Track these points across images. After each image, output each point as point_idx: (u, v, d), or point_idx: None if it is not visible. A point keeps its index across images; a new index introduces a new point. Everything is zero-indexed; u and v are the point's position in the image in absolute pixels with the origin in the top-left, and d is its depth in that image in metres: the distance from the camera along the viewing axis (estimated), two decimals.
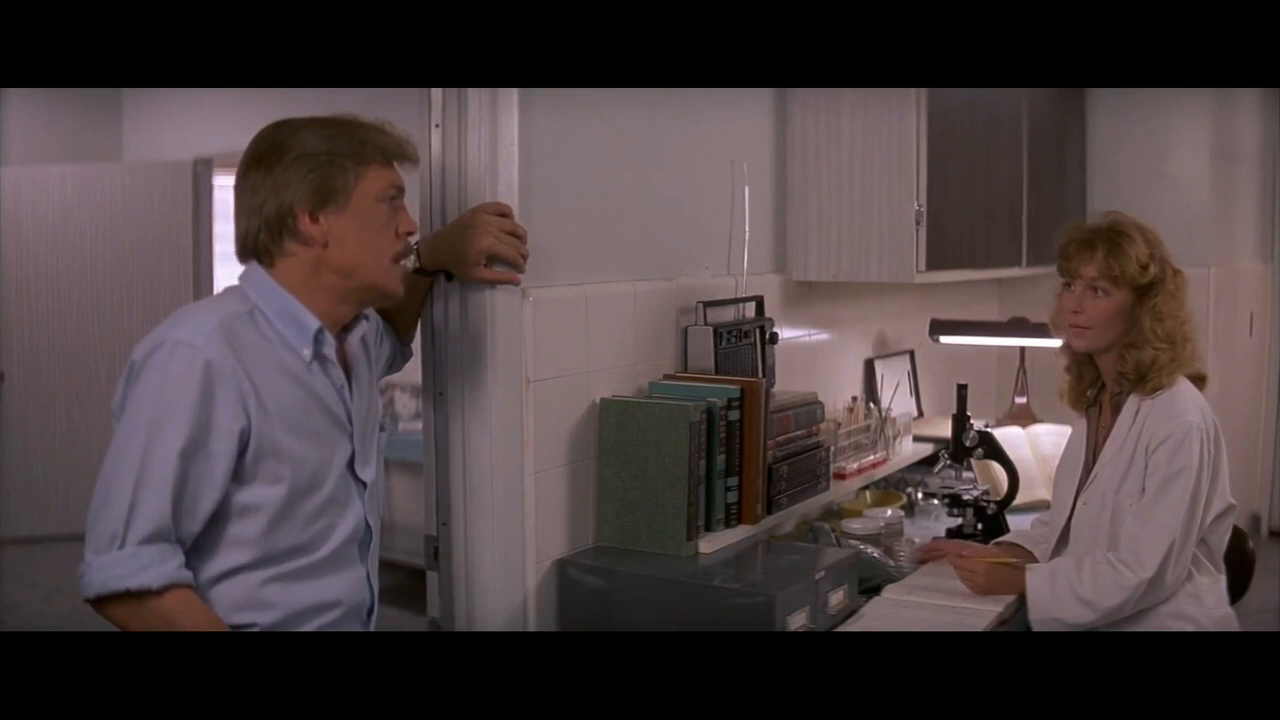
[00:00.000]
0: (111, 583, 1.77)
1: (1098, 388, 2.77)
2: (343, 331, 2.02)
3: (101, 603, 1.79)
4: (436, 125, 2.46)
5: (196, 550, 1.85)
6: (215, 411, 1.80)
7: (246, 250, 1.96)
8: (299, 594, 1.93)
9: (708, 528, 2.67)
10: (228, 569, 1.88)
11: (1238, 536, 2.88)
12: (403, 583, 5.26)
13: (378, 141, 1.92)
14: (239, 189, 1.94)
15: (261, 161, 1.91)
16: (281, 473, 1.88)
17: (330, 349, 1.96)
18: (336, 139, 1.91)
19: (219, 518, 1.85)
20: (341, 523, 1.98)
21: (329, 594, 1.97)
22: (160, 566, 1.78)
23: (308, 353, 1.92)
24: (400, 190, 1.96)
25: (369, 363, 2.11)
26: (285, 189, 1.89)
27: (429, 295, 2.42)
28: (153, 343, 1.86)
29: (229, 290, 1.98)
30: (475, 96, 2.42)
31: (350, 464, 2.00)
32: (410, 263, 2.22)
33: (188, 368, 1.80)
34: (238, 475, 1.84)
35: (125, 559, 1.77)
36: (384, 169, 1.93)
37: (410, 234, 1.99)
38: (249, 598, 1.89)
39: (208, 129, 7.04)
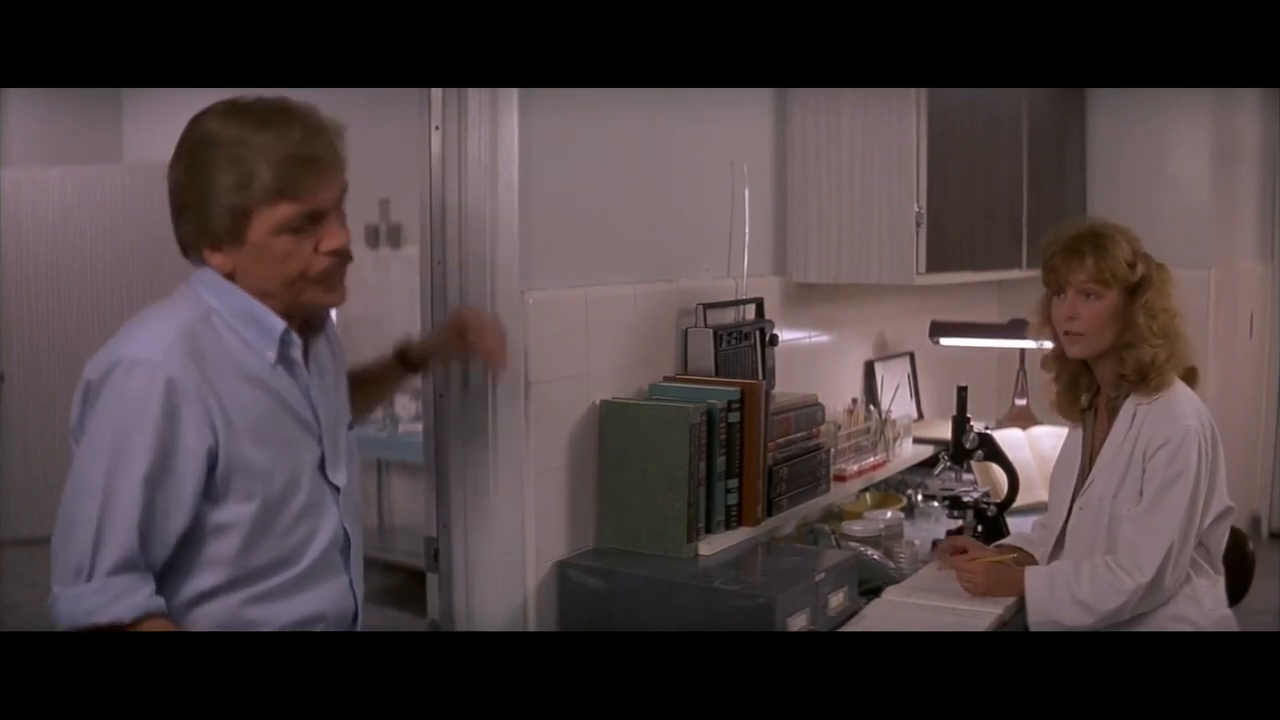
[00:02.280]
0: (81, 617, 1.71)
1: (1092, 393, 2.76)
2: (308, 329, 1.93)
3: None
4: (436, 127, 2.46)
5: (170, 573, 1.78)
6: (180, 432, 1.72)
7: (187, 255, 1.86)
8: (282, 611, 1.86)
9: (708, 530, 2.66)
10: (204, 590, 1.80)
11: (1237, 538, 2.88)
12: (403, 584, 5.26)
13: (264, 174, 1.72)
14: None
15: (172, 166, 1.81)
16: (253, 489, 1.79)
17: (297, 350, 1.87)
18: (218, 169, 1.73)
19: (192, 539, 1.77)
20: (320, 530, 1.89)
21: (313, 607, 1.89)
22: (130, 598, 1.71)
23: (272, 355, 1.82)
24: (307, 216, 1.76)
25: (334, 359, 2.02)
26: (180, 221, 1.81)
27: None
28: (108, 361, 1.73)
29: (181, 292, 1.85)
30: (475, 96, 2.42)
31: (321, 467, 1.91)
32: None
33: (147, 387, 1.70)
34: (209, 494, 1.76)
35: (94, 591, 1.70)
36: (279, 203, 1.74)
37: (333, 250, 1.79)
38: (230, 620, 1.82)
39: None
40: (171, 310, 1.82)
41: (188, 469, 1.73)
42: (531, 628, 2.51)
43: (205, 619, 1.81)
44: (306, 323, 1.92)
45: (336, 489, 1.94)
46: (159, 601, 1.75)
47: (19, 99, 6.80)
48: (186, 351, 1.74)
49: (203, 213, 1.75)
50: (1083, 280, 2.60)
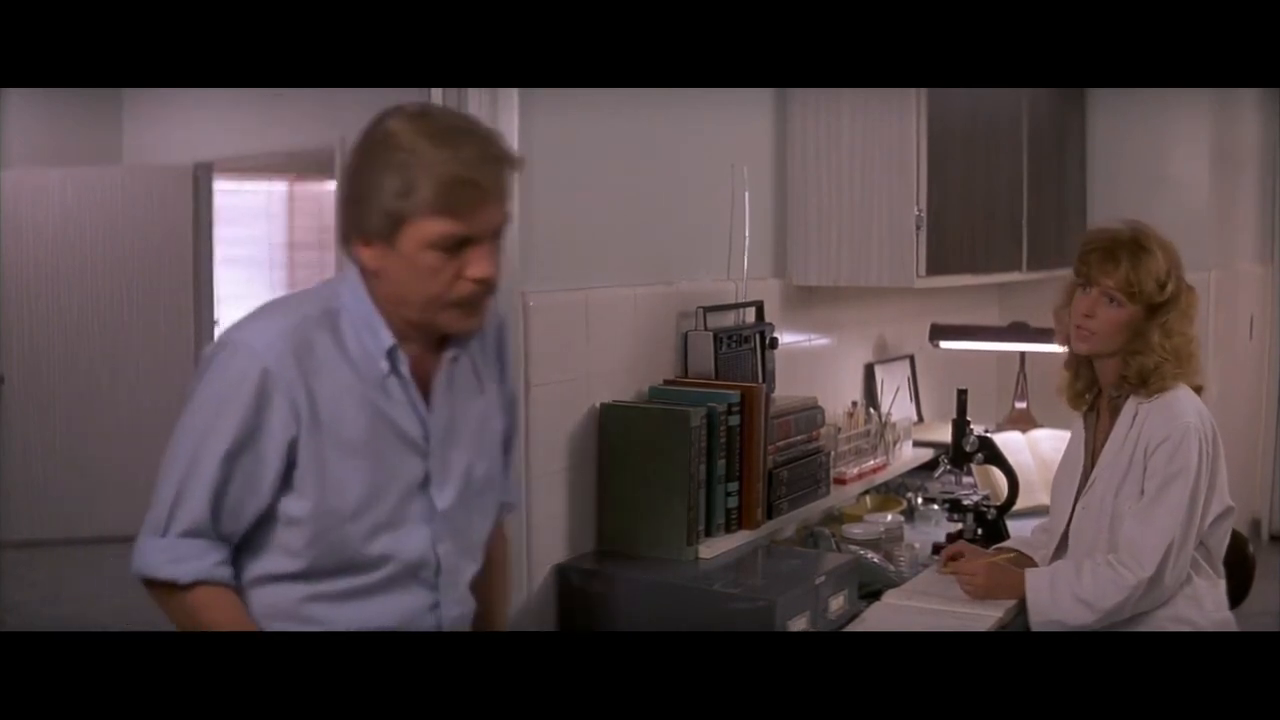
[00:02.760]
0: (145, 569, 1.81)
1: (1094, 392, 2.77)
2: (446, 346, 1.90)
3: (145, 582, 1.83)
4: None
5: (245, 549, 1.85)
6: (267, 419, 1.77)
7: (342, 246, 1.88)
8: (343, 614, 1.86)
9: (708, 533, 2.66)
10: (270, 573, 1.85)
11: (1238, 541, 2.88)
12: None
13: (426, 188, 1.72)
14: None
15: (352, 153, 1.83)
16: (324, 490, 1.80)
17: (404, 366, 1.85)
18: (385, 172, 1.74)
19: (267, 521, 1.83)
20: (402, 546, 1.87)
21: (379, 618, 1.87)
22: (193, 562, 1.79)
23: (385, 365, 1.83)
24: (459, 239, 1.74)
25: (475, 378, 1.97)
26: (344, 206, 1.82)
27: None
28: (221, 341, 1.84)
29: (326, 284, 1.92)
30: (475, 96, 2.42)
31: (424, 485, 1.89)
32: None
33: (243, 373, 1.77)
34: (286, 482, 1.80)
35: (163, 548, 1.80)
36: (435, 219, 1.73)
37: (478, 278, 1.77)
38: (289, 610, 1.85)
39: (208, 133, 7.04)
40: (297, 303, 1.87)
41: (269, 454, 1.78)
42: (531, 629, 2.51)
43: (267, 599, 1.85)
44: (444, 341, 1.90)
45: (434, 509, 1.91)
46: (223, 572, 1.81)
47: (19, 99, 6.80)
48: (291, 347, 1.78)
49: (363, 207, 1.77)
50: (1110, 286, 2.59)
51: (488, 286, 1.80)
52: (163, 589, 1.81)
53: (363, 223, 1.78)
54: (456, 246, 1.75)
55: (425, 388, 1.89)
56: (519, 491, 2.16)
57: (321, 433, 1.79)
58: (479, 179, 1.74)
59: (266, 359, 1.77)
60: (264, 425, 1.77)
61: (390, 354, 1.83)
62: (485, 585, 2.06)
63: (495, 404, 2.02)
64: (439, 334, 1.87)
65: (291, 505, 1.81)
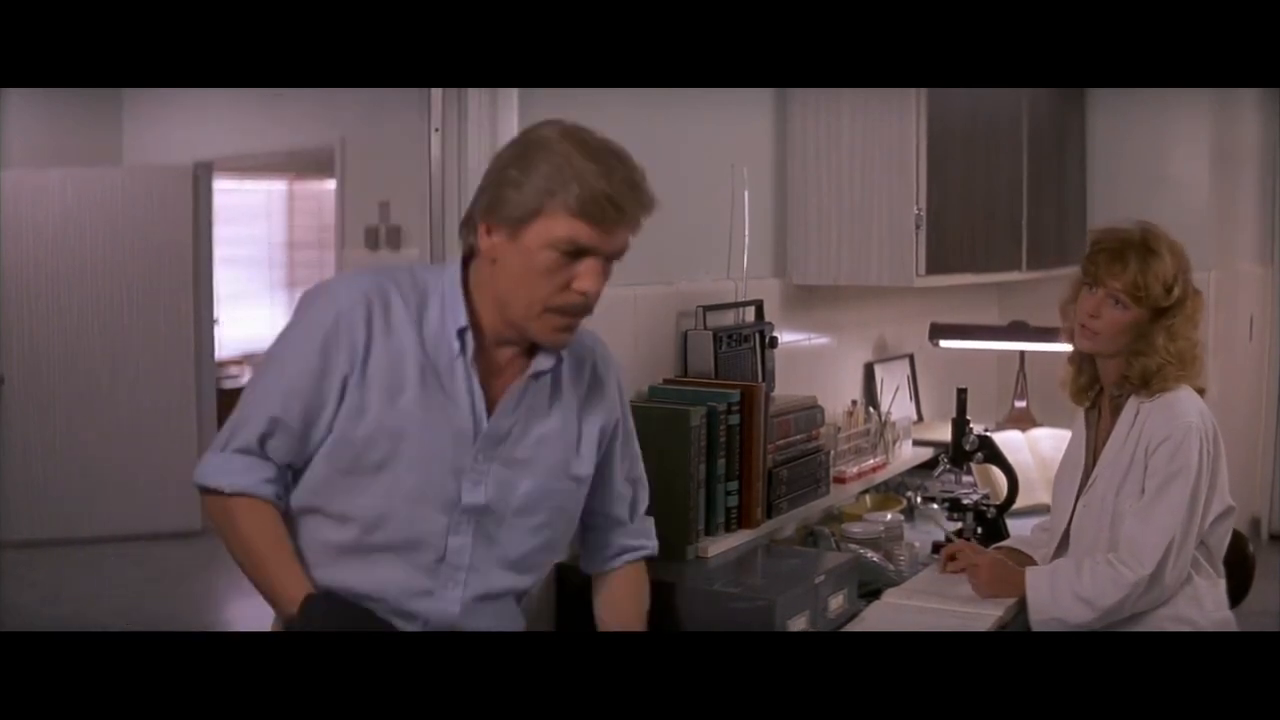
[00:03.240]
0: (199, 478, 1.93)
1: (1097, 390, 2.77)
2: (523, 358, 1.96)
3: (200, 490, 1.94)
4: (436, 128, 2.46)
5: (296, 480, 1.96)
6: (332, 358, 1.87)
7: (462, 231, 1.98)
8: (347, 571, 1.93)
9: (708, 532, 2.66)
10: (299, 506, 1.96)
11: (1238, 540, 2.88)
12: None
13: (576, 190, 1.80)
14: None
15: (506, 147, 1.95)
16: (349, 439, 1.89)
17: (471, 352, 1.91)
18: (540, 165, 1.83)
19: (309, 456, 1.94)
20: (407, 515, 1.92)
21: (378, 585, 1.93)
22: (241, 476, 1.90)
23: (455, 345, 1.90)
24: (582, 249, 1.82)
25: (549, 401, 2.01)
26: (484, 191, 1.90)
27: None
28: (318, 286, 1.97)
29: (427, 267, 2.09)
30: (475, 97, 2.42)
31: (457, 476, 1.93)
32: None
33: (321, 317, 1.89)
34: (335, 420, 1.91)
35: (219, 461, 1.92)
36: (572, 220, 1.81)
37: (585, 293, 1.85)
38: (308, 539, 1.96)
39: (208, 133, 7.05)
40: (394, 272, 1.96)
41: (328, 392, 1.88)
42: (530, 629, 2.50)
43: (303, 530, 1.96)
44: (530, 355, 1.97)
45: (458, 502, 1.94)
46: (266, 489, 1.92)
47: (19, 99, 6.80)
48: (368, 299, 1.89)
49: (502, 193, 1.84)
50: (1116, 288, 2.59)
51: (589, 302, 1.88)
52: (212, 497, 1.92)
53: (496, 208, 1.85)
54: (575, 255, 1.83)
55: (496, 393, 1.94)
56: (651, 541, 2.24)
57: (370, 383, 1.88)
58: (622, 201, 1.84)
59: (342, 305, 1.89)
60: (328, 366, 1.87)
61: (461, 334, 1.90)
62: (605, 610, 2.27)
63: (567, 436, 2.04)
64: (527, 343, 1.94)
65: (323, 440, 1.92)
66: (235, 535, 1.90)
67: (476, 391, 1.92)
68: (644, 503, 2.26)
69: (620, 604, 2.24)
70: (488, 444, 1.94)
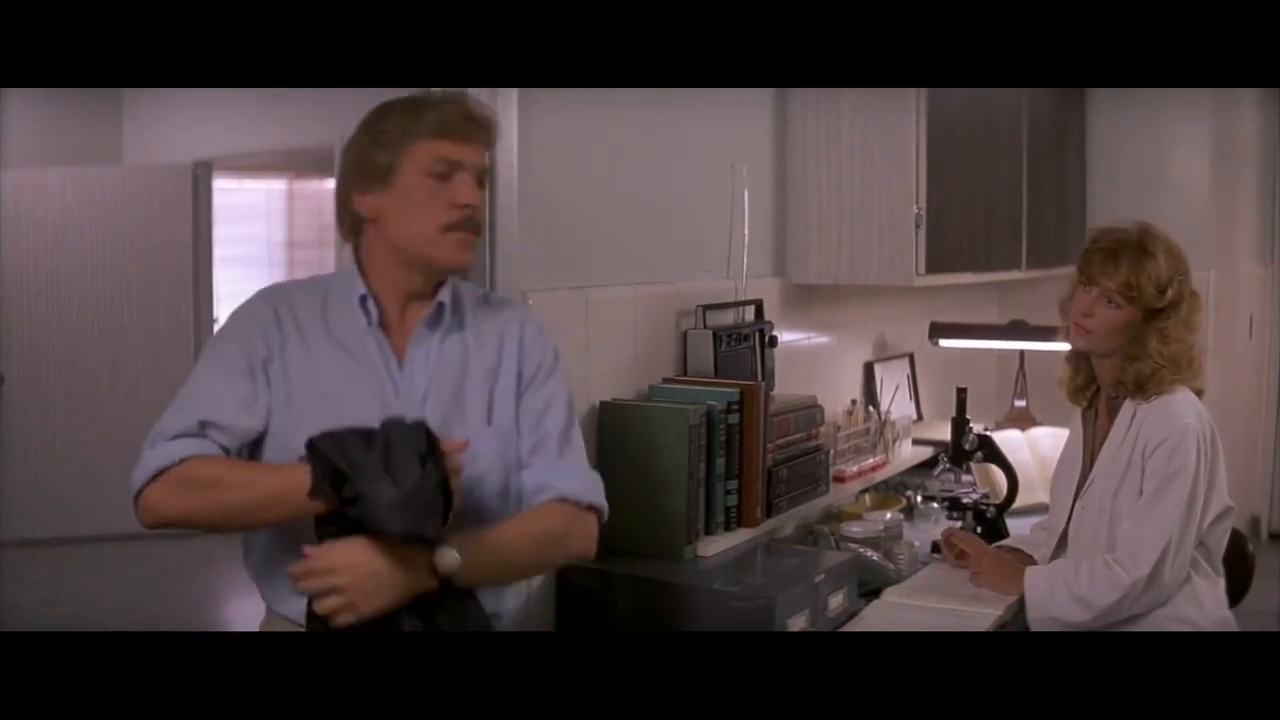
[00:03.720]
0: (137, 481, 1.85)
1: (1094, 389, 2.77)
2: (414, 300, 2.02)
3: (139, 499, 1.85)
4: None
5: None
6: (253, 348, 1.94)
7: (341, 231, 2.07)
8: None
9: (707, 531, 2.66)
10: None
11: (1237, 539, 2.88)
12: None
13: (430, 118, 1.94)
14: None
15: (344, 145, 2.03)
16: (275, 416, 1.93)
17: (376, 317, 1.99)
18: (392, 117, 1.96)
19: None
20: None
21: None
22: (182, 445, 1.86)
23: (362, 320, 1.98)
24: (454, 164, 1.95)
25: (464, 350, 2.03)
26: (345, 170, 2.00)
27: None
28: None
29: (328, 273, 2.16)
30: (475, 96, 2.41)
31: None
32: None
33: (232, 321, 2.00)
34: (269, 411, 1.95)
35: (155, 453, 1.86)
36: (434, 142, 1.94)
37: (468, 205, 1.95)
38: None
39: (208, 132, 7.04)
40: (291, 282, 2.09)
41: (257, 376, 1.93)
42: (531, 629, 2.51)
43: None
44: (416, 293, 2.01)
45: None
46: (212, 449, 1.88)
47: (19, 99, 6.80)
48: (275, 305, 1.99)
49: (362, 158, 1.97)
50: (1109, 287, 2.59)
51: (475, 216, 1.97)
52: (160, 488, 1.83)
53: (363, 172, 1.97)
54: (447, 176, 1.94)
55: (389, 342, 2.01)
56: (573, 483, 2.03)
57: (291, 373, 1.94)
58: (473, 114, 1.98)
59: (251, 307, 1.99)
60: (250, 354, 1.94)
61: (363, 301, 1.98)
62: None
63: (485, 384, 2.04)
64: (435, 277, 2.01)
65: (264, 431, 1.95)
66: (204, 490, 1.84)
67: (390, 356, 1.99)
68: (558, 447, 2.08)
69: (510, 523, 2.04)
70: (411, 402, 1.97)
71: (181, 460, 1.84)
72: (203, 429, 1.88)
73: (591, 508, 2.04)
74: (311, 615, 1.79)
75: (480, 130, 1.99)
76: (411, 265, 1.99)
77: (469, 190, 1.96)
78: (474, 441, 1.94)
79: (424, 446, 1.78)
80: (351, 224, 2.03)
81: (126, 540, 6.71)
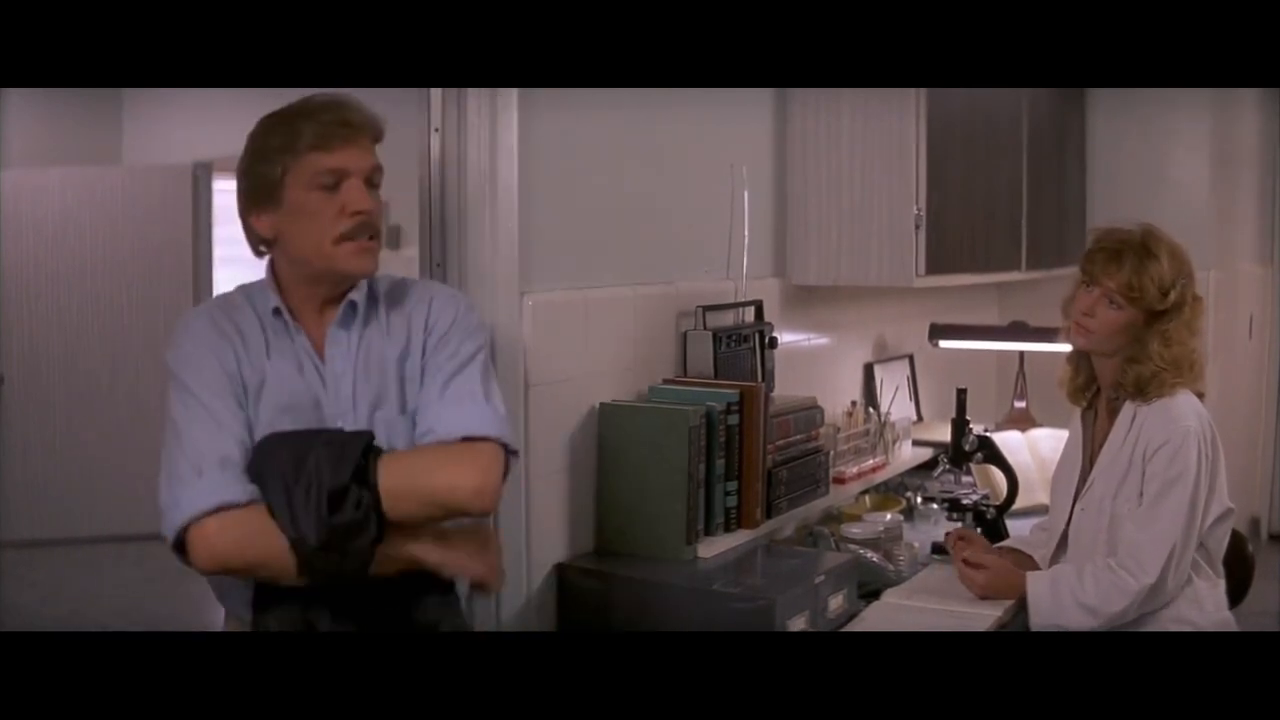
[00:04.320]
0: (189, 513, 1.87)
1: (1094, 390, 2.77)
2: (330, 305, 2.03)
3: (183, 536, 1.88)
4: (436, 129, 2.46)
5: None
6: (215, 361, 1.95)
7: (250, 247, 2.06)
8: None
9: (707, 532, 2.66)
10: None
11: (1237, 540, 2.87)
12: None
13: (308, 131, 1.93)
14: None
15: (237, 165, 2.02)
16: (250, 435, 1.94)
17: (289, 318, 2.00)
18: (270, 134, 1.95)
19: None
20: None
21: None
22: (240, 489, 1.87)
23: (285, 331, 2.00)
24: (339, 173, 1.93)
25: (385, 339, 2.04)
26: (240, 192, 2.00)
27: None
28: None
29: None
30: (475, 97, 2.42)
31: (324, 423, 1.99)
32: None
33: (185, 345, 1.98)
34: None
35: (203, 487, 1.88)
36: (314, 155, 1.93)
37: (359, 212, 1.95)
38: None
39: (208, 132, 7.01)
40: (223, 295, 2.10)
41: (236, 390, 1.95)
42: (531, 629, 2.51)
43: None
44: (326, 301, 2.02)
45: None
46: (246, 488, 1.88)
47: (19, 99, 6.80)
48: (215, 314, 2.01)
49: (252, 179, 1.96)
50: (1111, 287, 2.58)
51: (370, 219, 1.97)
52: (215, 533, 1.84)
53: (254, 193, 1.97)
54: (335, 184, 1.94)
55: (313, 346, 2.02)
56: (470, 424, 1.95)
57: (243, 376, 1.96)
58: (349, 118, 1.95)
59: (194, 322, 2.00)
60: (224, 371, 1.95)
61: (276, 313, 2.00)
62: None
63: (398, 372, 2.03)
64: (341, 285, 2.01)
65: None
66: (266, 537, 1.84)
67: (317, 360, 2.00)
68: (439, 390, 2.02)
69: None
70: (343, 398, 1.99)
71: (247, 503, 1.85)
72: (240, 460, 1.89)
73: (471, 438, 1.94)
74: (259, 610, 1.89)
75: (361, 133, 1.97)
76: (315, 279, 2.00)
77: (359, 196, 1.95)
78: (391, 431, 1.98)
79: (360, 459, 1.83)
80: (256, 242, 2.03)
81: (126, 540, 6.71)
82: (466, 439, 1.93)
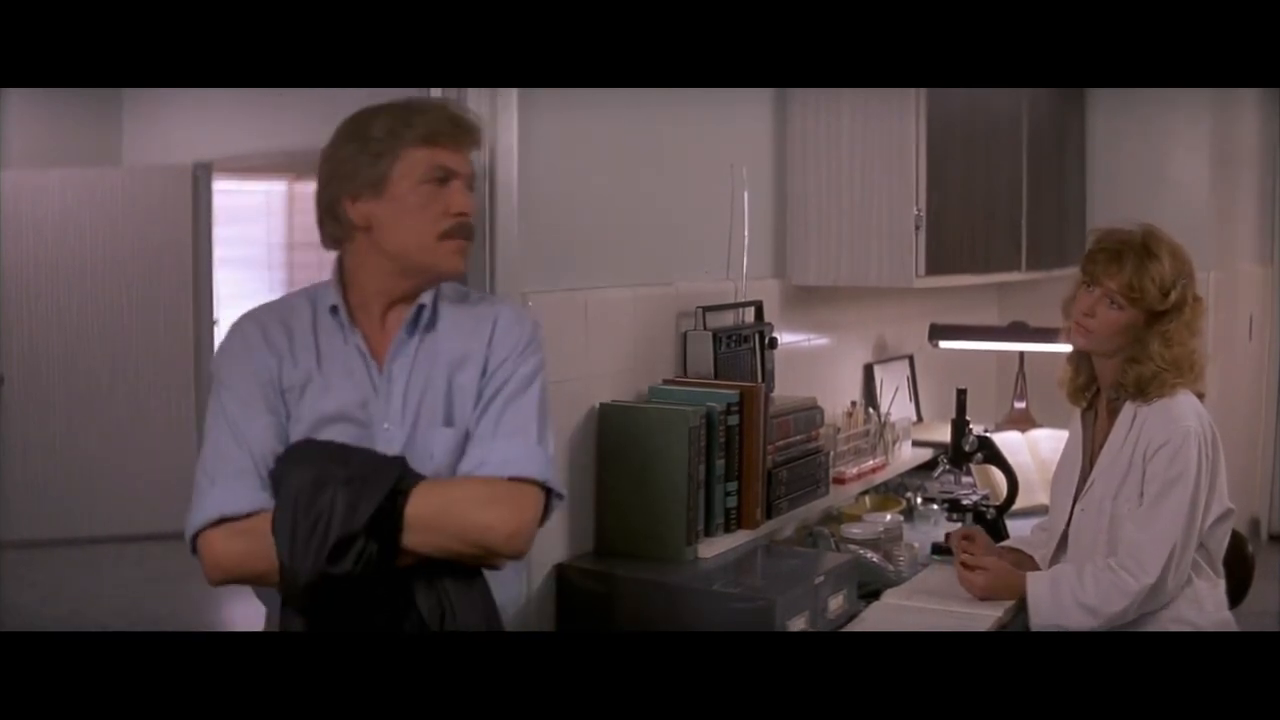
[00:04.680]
0: (204, 519, 1.85)
1: (1094, 390, 2.77)
2: (396, 305, 2.01)
3: (205, 544, 1.86)
4: None
5: None
6: (255, 368, 1.94)
7: (323, 239, 2.04)
8: None
9: (707, 532, 2.66)
10: None
11: (1237, 541, 2.87)
12: None
13: (420, 124, 1.94)
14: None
15: (324, 151, 2.01)
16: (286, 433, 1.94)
17: (342, 323, 1.98)
18: (380, 124, 1.95)
19: None
20: None
21: None
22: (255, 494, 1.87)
23: (339, 329, 1.98)
24: (448, 171, 1.95)
25: (446, 352, 2.00)
26: (333, 178, 1.98)
27: None
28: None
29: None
30: (475, 97, 2.42)
31: (373, 435, 1.96)
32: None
33: (230, 341, 2.00)
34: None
35: (217, 495, 1.87)
36: (425, 150, 1.94)
37: (462, 214, 1.96)
38: None
39: (208, 133, 7.05)
40: (284, 298, 2.08)
41: (272, 398, 1.94)
42: (531, 629, 2.51)
43: None
44: (399, 298, 2.00)
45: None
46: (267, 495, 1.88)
47: (19, 99, 6.80)
48: (264, 318, 2.00)
49: (350, 165, 1.94)
50: (1112, 288, 2.58)
51: (468, 223, 1.98)
52: (221, 544, 1.84)
53: (352, 179, 1.95)
54: (441, 182, 1.95)
55: (368, 346, 2.00)
56: (503, 456, 1.92)
57: (283, 384, 1.94)
58: (459, 119, 1.98)
59: (244, 324, 1.99)
60: (262, 380, 1.93)
61: (334, 311, 1.98)
62: None
63: (449, 383, 2.00)
64: (429, 284, 2.00)
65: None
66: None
67: (370, 362, 1.98)
68: (494, 423, 1.98)
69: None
70: (387, 405, 1.96)
71: (252, 513, 1.83)
72: (255, 470, 1.87)
73: (517, 480, 1.90)
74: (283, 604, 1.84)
75: (469, 136, 1.99)
76: (406, 273, 1.98)
77: (462, 198, 1.97)
78: (431, 441, 1.95)
79: (383, 499, 1.80)
80: (336, 231, 2.00)
81: (126, 540, 6.72)
82: (512, 479, 1.90)
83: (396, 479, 1.82)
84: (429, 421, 1.96)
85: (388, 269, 1.98)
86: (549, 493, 1.93)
